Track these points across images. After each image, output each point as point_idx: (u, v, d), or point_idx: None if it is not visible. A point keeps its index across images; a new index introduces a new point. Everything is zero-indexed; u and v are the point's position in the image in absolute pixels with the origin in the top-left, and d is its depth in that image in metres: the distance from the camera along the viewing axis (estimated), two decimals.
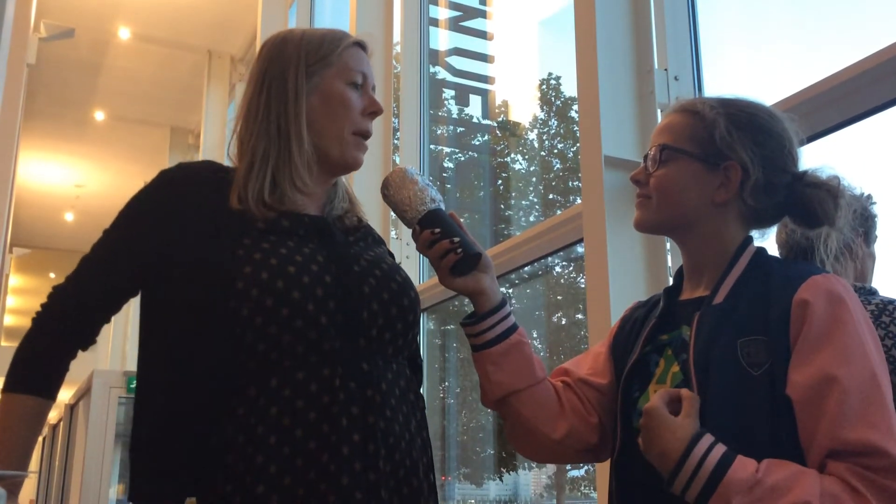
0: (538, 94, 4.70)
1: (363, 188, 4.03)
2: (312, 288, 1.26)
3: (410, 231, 1.35)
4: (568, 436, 1.33)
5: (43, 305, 1.35)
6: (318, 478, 1.19)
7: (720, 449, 1.07)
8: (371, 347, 1.30)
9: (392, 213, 4.04)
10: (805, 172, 1.27)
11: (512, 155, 4.97)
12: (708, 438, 1.08)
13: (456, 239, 1.30)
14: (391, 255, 1.49)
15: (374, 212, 4.04)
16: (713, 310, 1.20)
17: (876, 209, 1.85)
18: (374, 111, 1.42)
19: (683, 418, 1.10)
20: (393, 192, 1.34)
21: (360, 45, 1.45)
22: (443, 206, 1.35)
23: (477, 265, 1.32)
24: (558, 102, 4.63)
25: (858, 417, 1.04)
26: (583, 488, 4.76)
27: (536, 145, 4.85)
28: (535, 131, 4.87)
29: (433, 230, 1.31)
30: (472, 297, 1.34)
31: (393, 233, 3.97)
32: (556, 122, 4.72)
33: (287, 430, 1.21)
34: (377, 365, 1.29)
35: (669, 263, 2.38)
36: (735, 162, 1.24)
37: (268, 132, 1.37)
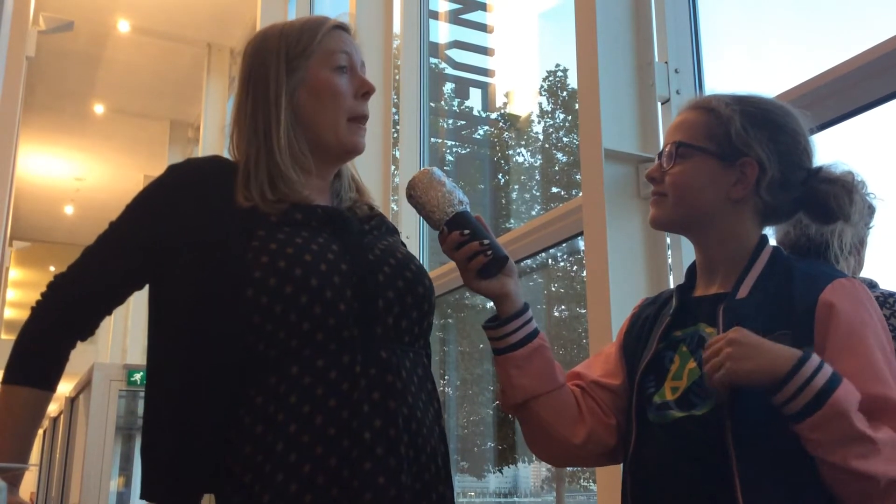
0: (545, 86, 4.68)
1: (364, 181, 4.01)
2: (330, 276, 1.26)
3: (438, 233, 1.33)
4: (588, 440, 1.33)
5: (42, 295, 1.33)
6: (340, 464, 1.19)
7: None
8: (388, 335, 1.30)
9: (394, 204, 3.96)
10: (820, 168, 1.28)
11: (517, 148, 4.96)
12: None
13: (486, 241, 1.29)
14: (403, 245, 1.48)
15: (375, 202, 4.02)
16: (738, 304, 1.20)
17: (875, 201, 1.84)
18: (366, 91, 1.40)
19: None
20: (420, 193, 1.33)
21: (341, 27, 1.44)
22: (469, 209, 1.34)
23: (504, 268, 1.31)
24: (564, 94, 4.61)
25: None
26: (582, 481, 4.76)
27: (542, 138, 4.84)
28: (541, 124, 4.86)
29: (462, 232, 1.30)
30: (497, 300, 1.32)
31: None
32: (561, 115, 4.70)
33: (307, 418, 1.20)
34: (395, 352, 1.29)
35: (669, 258, 2.38)
36: (751, 158, 1.25)
37: (255, 134, 1.37)
